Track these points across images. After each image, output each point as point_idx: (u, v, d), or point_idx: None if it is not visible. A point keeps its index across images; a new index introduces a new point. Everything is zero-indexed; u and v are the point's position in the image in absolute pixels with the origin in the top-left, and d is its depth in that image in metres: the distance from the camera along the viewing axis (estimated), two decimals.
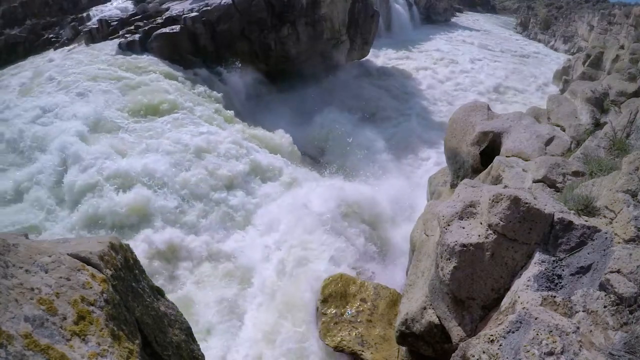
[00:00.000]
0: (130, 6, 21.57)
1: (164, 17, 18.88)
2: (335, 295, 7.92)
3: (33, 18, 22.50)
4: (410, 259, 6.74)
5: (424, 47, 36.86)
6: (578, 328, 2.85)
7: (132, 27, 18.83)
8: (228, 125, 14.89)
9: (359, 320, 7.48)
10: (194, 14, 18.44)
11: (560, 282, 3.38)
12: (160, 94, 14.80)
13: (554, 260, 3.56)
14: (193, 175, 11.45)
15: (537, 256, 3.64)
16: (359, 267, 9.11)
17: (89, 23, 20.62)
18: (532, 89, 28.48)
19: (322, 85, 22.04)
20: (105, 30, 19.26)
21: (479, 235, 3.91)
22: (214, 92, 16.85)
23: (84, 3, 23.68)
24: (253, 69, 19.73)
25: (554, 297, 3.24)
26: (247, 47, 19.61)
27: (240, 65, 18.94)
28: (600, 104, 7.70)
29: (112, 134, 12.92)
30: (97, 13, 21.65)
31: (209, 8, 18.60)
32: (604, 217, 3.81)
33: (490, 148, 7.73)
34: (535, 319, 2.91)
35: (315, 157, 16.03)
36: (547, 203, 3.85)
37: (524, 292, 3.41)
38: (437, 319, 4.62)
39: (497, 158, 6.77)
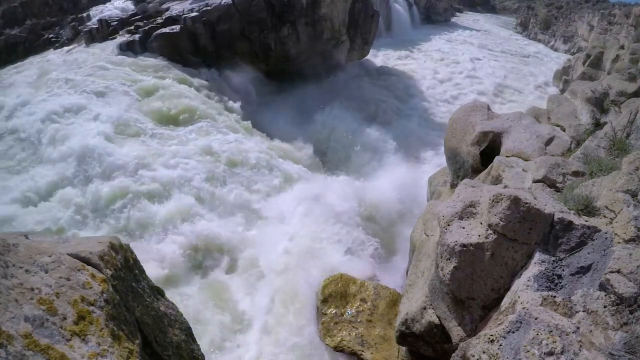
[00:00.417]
0: (130, 6, 21.56)
1: (164, 17, 18.88)
2: (335, 295, 7.92)
3: (33, 18, 22.49)
4: (410, 259, 6.74)
5: (424, 47, 36.86)
6: (578, 328, 2.85)
7: (132, 27, 18.83)
8: (249, 134, 15.01)
9: (359, 320, 7.48)
10: (194, 14, 18.44)
11: (560, 282, 3.38)
12: (180, 100, 14.92)
13: (554, 260, 3.55)
14: (230, 190, 11.52)
15: (537, 256, 3.64)
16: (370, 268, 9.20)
17: (89, 23, 20.61)
18: (532, 89, 28.46)
19: (323, 85, 22.03)
20: (105, 30, 19.26)
21: (479, 235, 3.91)
22: (225, 97, 16.98)
23: (84, 3, 23.66)
24: (253, 69, 19.74)
25: (554, 297, 3.24)
26: (247, 47, 19.61)
27: (242, 65, 19.00)
28: (600, 104, 7.70)
29: (137, 138, 12.96)
30: (97, 13, 21.64)
31: (209, 8, 18.60)
32: (604, 217, 3.81)
33: (490, 148, 7.73)
34: (535, 319, 2.90)
35: (319, 156, 16.01)
36: (547, 203, 3.85)
37: (524, 292, 3.41)
38: (437, 319, 4.62)
39: (497, 158, 6.77)
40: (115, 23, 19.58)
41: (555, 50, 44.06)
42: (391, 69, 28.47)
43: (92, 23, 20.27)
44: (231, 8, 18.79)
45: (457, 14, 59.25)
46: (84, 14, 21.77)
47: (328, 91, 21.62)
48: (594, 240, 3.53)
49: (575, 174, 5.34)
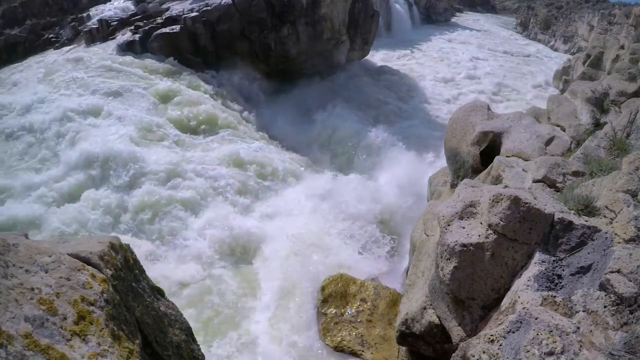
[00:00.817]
0: (130, 6, 21.57)
1: (164, 17, 18.88)
2: (335, 295, 7.93)
3: (33, 18, 22.48)
4: (410, 259, 6.74)
5: (424, 47, 36.86)
6: (578, 328, 2.85)
7: (132, 27, 18.84)
8: (267, 143, 15.10)
9: (359, 320, 7.48)
10: (194, 14, 18.44)
11: (561, 282, 3.38)
12: (200, 108, 15.08)
13: (554, 260, 3.55)
14: (269, 206, 11.61)
15: (537, 256, 3.64)
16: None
17: (89, 23, 20.60)
18: (532, 88, 28.46)
19: (322, 85, 22.03)
20: (105, 30, 19.26)
21: (479, 235, 3.91)
22: (238, 104, 17.09)
23: (84, 3, 23.66)
24: (255, 70, 19.75)
25: (554, 297, 3.24)
26: (247, 47, 19.61)
27: (247, 70, 19.09)
28: (600, 104, 7.70)
29: (162, 143, 13.02)
30: (97, 13, 21.64)
31: (209, 8, 18.60)
32: (604, 217, 3.81)
33: (490, 148, 7.73)
34: (536, 319, 2.90)
35: (319, 157, 15.99)
36: (547, 203, 3.85)
37: (524, 292, 3.41)
38: (437, 319, 4.62)
39: (497, 158, 6.77)
40: (115, 23, 19.58)
41: (555, 50, 44.06)
42: (391, 69, 28.46)
43: (92, 23, 20.26)
44: (231, 8, 18.79)
45: (457, 14, 59.25)
46: (84, 14, 21.76)
47: (328, 91, 21.61)
48: (594, 240, 3.53)
49: (575, 174, 5.34)
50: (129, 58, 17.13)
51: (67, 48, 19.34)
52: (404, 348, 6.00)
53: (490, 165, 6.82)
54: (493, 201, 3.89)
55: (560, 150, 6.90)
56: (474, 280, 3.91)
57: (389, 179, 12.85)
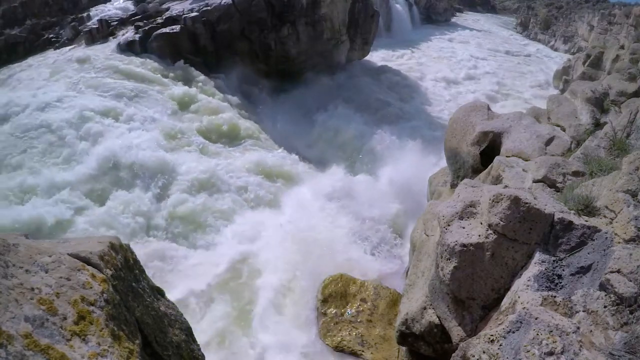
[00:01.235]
0: (130, 6, 21.56)
1: (164, 17, 18.87)
2: (335, 295, 7.93)
3: (33, 18, 22.47)
4: (411, 259, 6.74)
5: (424, 47, 36.87)
6: (578, 328, 2.85)
7: (132, 27, 18.84)
8: (287, 152, 15.09)
9: (359, 320, 7.48)
10: (194, 14, 18.44)
11: (561, 282, 3.38)
12: (220, 116, 15.20)
13: (554, 260, 3.55)
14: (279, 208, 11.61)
15: (537, 256, 3.64)
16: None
17: (89, 23, 20.59)
18: (532, 88, 28.47)
19: (323, 85, 22.03)
20: (105, 30, 19.25)
21: (479, 235, 3.90)
22: (252, 113, 17.16)
23: (84, 3, 23.65)
24: (253, 69, 19.76)
25: (554, 297, 3.24)
26: (247, 47, 19.61)
27: (252, 75, 19.23)
28: (600, 104, 7.69)
29: (190, 150, 13.07)
30: (97, 13, 21.63)
31: (209, 8, 18.60)
32: (604, 217, 3.81)
33: (490, 148, 7.73)
34: (536, 319, 2.90)
35: (321, 157, 15.99)
36: (547, 203, 3.84)
37: (524, 292, 3.41)
38: (437, 319, 4.62)
39: (497, 158, 6.77)
40: (115, 23, 19.58)
41: (555, 50, 44.08)
42: (391, 69, 28.46)
43: (92, 23, 20.25)
44: (231, 8, 18.79)
45: (457, 14, 59.27)
46: (84, 14, 21.75)
47: (329, 92, 21.61)
48: (594, 240, 3.53)
49: (576, 174, 5.34)
50: (137, 60, 17.11)
51: (67, 48, 19.34)
52: (404, 348, 6.00)
53: (490, 165, 6.82)
54: (493, 201, 3.89)
55: (560, 150, 6.90)
56: (474, 280, 3.91)
57: (395, 180, 12.84)
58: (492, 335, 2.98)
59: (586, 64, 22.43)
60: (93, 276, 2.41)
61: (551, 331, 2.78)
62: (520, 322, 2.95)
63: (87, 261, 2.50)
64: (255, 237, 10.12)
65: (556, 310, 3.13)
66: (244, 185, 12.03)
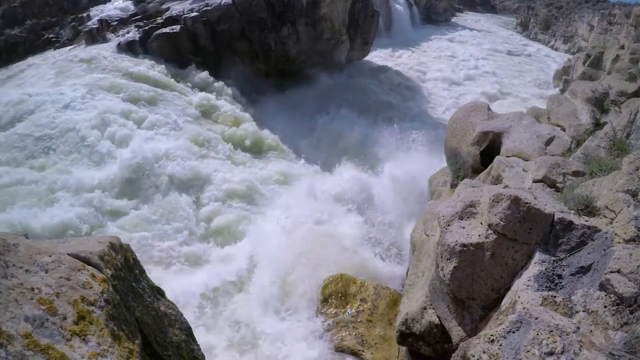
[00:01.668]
0: (130, 6, 21.57)
1: (164, 17, 18.88)
2: (335, 295, 7.92)
3: (33, 18, 22.47)
4: (411, 259, 6.74)
5: (424, 47, 36.86)
6: (578, 328, 2.85)
7: (132, 27, 18.84)
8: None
9: (359, 320, 7.48)
10: (194, 14, 18.44)
11: (561, 282, 3.38)
12: (245, 126, 15.36)
13: (554, 260, 3.55)
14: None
15: (538, 256, 3.64)
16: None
17: (89, 23, 20.60)
18: (532, 88, 28.49)
19: (323, 85, 22.03)
20: (105, 30, 19.26)
21: (479, 235, 3.90)
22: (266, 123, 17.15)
23: (84, 3, 23.66)
24: (253, 69, 19.76)
25: (554, 297, 3.24)
26: (247, 47, 19.62)
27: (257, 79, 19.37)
28: (600, 104, 7.69)
29: (218, 157, 13.11)
30: (97, 13, 21.64)
31: (209, 8, 18.60)
32: (604, 217, 3.81)
33: (490, 148, 7.73)
34: (536, 319, 2.90)
35: (323, 158, 15.98)
36: (548, 203, 3.84)
37: (524, 292, 3.41)
38: (437, 319, 4.61)
39: (497, 158, 6.77)
40: (115, 23, 19.59)
41: (556, 50, 44.09)
42: (391, 69, 28.47)
43: (92, 23, 20.26)
44: (231, 8, 18.79)
45: (457, 14, 59.24)
46: (84, 14, 21.76)
47: (329, 92, 21.61)
48: (594, 240, 3.53)
49: (576, 174, 5.34)
50: (147, 61, 17.12)
51: (67, 48, 19.35)
52: (404, 348, 6.00)
53: (490, 165, 6.82)
54: (493, 201, 3.89)
55: (560, 150, 6.90)
56: (474, 280, 3.91)
57: (400, 179, 12.81)
58: (492, 335, 2.98)
59: (586, 64, 22.43)
60: (93, 276, 2.41)
61: (551, 331, 2.78)
62: (520, 322, 2.95)
63: (87, 261, 2.50)
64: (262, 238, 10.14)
65: (556, 310, 3.13)
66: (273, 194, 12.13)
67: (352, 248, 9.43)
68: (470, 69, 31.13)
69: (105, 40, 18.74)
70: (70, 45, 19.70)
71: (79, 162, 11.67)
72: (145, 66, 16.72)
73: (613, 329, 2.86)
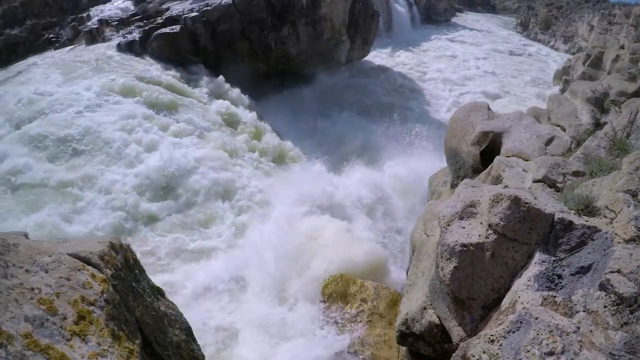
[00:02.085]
0: (130, 6, 21.56)
1: (164, 17, 18.88)
2: (335, 295, 7.93)
3: (33, 18, 22.45)
4: (411, 259, 6.74)
5: (424, 47, 36.86)
6: (578, 328, 2.85)
7: (132, 27, 18.84)
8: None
9: (359, 320, 7.48)
10: (194, 14, 18.44)
11: (561, 282, 3.38)
12: (268, 137, 15.55)
13: (554, 260, 3.55)
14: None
15: (538, 256, 3.64)
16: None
17: (89, 23, 20.60)
18: (532, 88, 28.48)
19: (322, 85, 22.03)
20: (105, 31, 19.26)
21: (479, 235, 3.90)
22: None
23: (84, 3, 23.62)
24: (253, 69, 19.76)
25: (555, 297, 3.24)
26: (247, 47, 19.61)
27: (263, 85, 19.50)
28: (600, 104, 7.69)
29: (247, 165, 13.20)
30: (97, 13, 21.63)
31: (209, 8, 18.59)
32: (604, 217, 3.81)
33: (490, 148, 7.73)
34: (536, 319, 2.90)
35: (324, 159, 15.99)
36: (548, 203, 3.84)
37: (524, 292, 3.41)
38: (438, 318, 4.61)
39: (497, 158, 6.77)
40: (116, 23, 19.58)
41: (556, 50, 44.08)
42: (391, 69, 28.47)
43: (92, 23, 20.26)
44: (231, 8, 18.79)
45: (457, 14, 59.22)
46: (84, 14, 21.75)
47: (329, 92, 21.61)
48: (594, 240, 3.53)
49: (576, 174, 5.34)
50: (157, 65, 17.08)
51: (68, 48, 19.35)
52: (404, 348, 6.00)
53: (490, 165, 6.82)
54: (493, 201, 3.89)
55: (560, 150, 6.89)
56: (474, 280, 3.91)
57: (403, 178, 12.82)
58: (492, 335, 2.98)
59: (586, 64, 22.42)
60: (93, 276, 2.41)
61: (551, 331, 2.78)
62: (521, 322, 2.94)
63: (87, 261, 2.50)
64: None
65: (556, 310, 3.13)
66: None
67: (363, 248, 9.44)
68: (471, 69, 31.14)
69: (105, 40, 18.73)
70: (71, 45, 19.70)
71: (108, 164, 11.59)
72: (155, 69, 16.70)
73: (613, 329, 2.86)
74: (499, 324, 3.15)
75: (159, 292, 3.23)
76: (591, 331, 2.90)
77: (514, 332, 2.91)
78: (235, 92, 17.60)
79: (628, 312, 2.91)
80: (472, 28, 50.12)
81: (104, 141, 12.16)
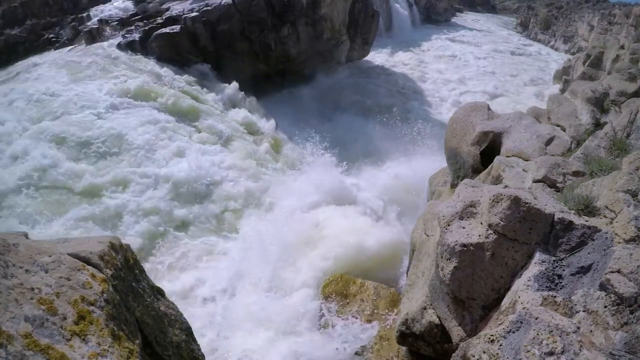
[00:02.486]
0: (130, 6, 21.56)
1: (164, 17, 18.88)
2: (335, 295, 7.93)
3: (33, 18, 22.46)
4: (411, 259, 6.74)
5: (424, 47, 36.86)
6: (578, 328, 2.85)
7: (132, 27, 18.84)
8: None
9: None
10: (194, 14, 18.44)
11: (561, 282, 3.38)
12: (287, 146, 15.68)
13: (554, 260, 3.55)
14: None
15: (538, 256, 3.64)
16: None
17: (89, 23, 20.61)
18: (532, 88, 28.48)
19: (322, 85, 22.03)
20: (105, 31, 19.26)
21: (479, 235, 3.90)
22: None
23: (84, 3, 23.63)
24: (253, 70, 19.77)
25: (555, 297, 3.24)
26: (247, 47, 19.62)
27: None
28: (600, 104, 7.69)
29: (273, 174, 13.34)
30: (97, 13, 21.63)
31: (209, 8, 18.60)
32: (604, 217, 3.81)
33: (490, 148, 7.73)
34: (536, 318, 2.90)
35: (326, 159, 16.00)
36: (548, 203, 3.84)
37: (524, 292, 3.41)
38: (438, 319, 4.61)
39: (497, 158, 6.77)
40: (116, 23, 19.59)
41: (556, 50, 44.06)
42: (391, 69, 28.47)
43: (92, 23, 20.26)
44: (231, 8, 18.79)
45: (457, 14, 59.21)
46: (84, 14, 21.76)
47: (328, 91, 21.60)
48: (594, 240, 3.52)
49: (576, 174, 5.33)
50: (166, 68, 17.00)
51: (68, 48, 19.35)
52: (404, 348, 6.00)
53: (490, 165, 6.82)
54: (493, 201, 3.89)
55: (560, 150, 6.89)
56: (474, 280, 3.90)
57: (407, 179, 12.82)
58: (492, 335, 2.98)
59: (586, 64, 22.43)
60: (93, 276, 2.41)
61: (551, 331, 2.78)
62: (521, 322, 2.94)
63: (87, 261, 2.50)
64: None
65: (556, 310, 3.13)
66: None
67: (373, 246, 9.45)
68: (471, 69, 31.14)
69: (104, 40, 18.73)
70: (71, 45, 19.71)
71: (137, 167, 11.57)
72: (165, 72, 16.70)
73: (613, 329, 2.86)
74: (499, 324, 3.15)
75: (159, 292, 3.23)
76: (591, 331, 2.90)
77: (514, 332, 2.91)
78: (251, 100, 17.70)
79: (628, 312, 2.91)
80: (472, 28, 50.12)
81: (129, 145, 12.16)
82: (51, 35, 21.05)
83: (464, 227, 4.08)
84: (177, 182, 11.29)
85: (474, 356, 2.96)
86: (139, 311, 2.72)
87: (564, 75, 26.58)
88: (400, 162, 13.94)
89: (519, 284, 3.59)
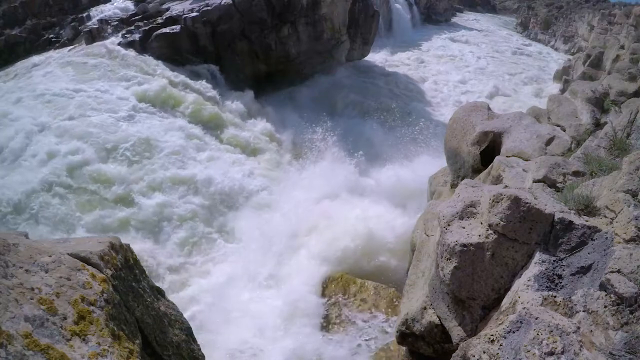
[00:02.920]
0: (130, 6, 21.56)
1: (164, 17, 18.88)
2: (335, 295, 7.93)
3: (33, 18, 22.45)
4: (411, 259, 6.73)
5: (424, 47, 36.85)
6: (578, 328, 2.85)
7: (132, 27, 18.84)
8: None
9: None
10: (194, 14, 18.43)
11: (561, 282, 3.38)
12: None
13: (554, 260, 3.55)
14: None
15: (538, 256, 3.64)
16: None
17: (89, 23, 20.60)
18: (532, 88, 28.47)
19: (323, 85, 22.02)
20: (105, 31, 19.26)
21: (480, 235, 3.90)
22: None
23: (84, 3, 23.62)
24: (253, 69, 19.76)
25: (555, 297, 3.24)
26: (247, 47, 19.61)
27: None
28: (600, 103, 7.69)
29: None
30: (97, 13, 21.63)
31: (209, 8, 18.59)
32: (605, 217, 3.80)
33: (490, 148, 7.73)
34: (536, 318, 2.90)
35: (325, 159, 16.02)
36: (548, 203, 3.84)
37: (524, 292, 3.41)
38: (438, 319, 4.61)
39: (497, 158, 6.76)
40: (116, 23, 19.59)
41: (556, 50, 44.05)
42: (391, 69, 28.45)
43: (92, 23, 20.26)
44: (231, 8, 18.78)
45: (458, 14, 59.22)
46: (84, 14, 21.75)
47: (328, 91, 21.59)
48: (594, 240, 3.52)
49: (576, 173, 5.33)
50: (181, 76, 16.97)
51: (68, 48, 19.34)
52: (404, 348, 6.00)
53: (490, 165, 6.82)
54: (493, 201, 3.89)
55: (560, 150, 6.89)
56: (474, 280, 3.90)
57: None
58: (492, 335, 2.98)
59: (586, 64, 22.44)
60: (93, 276, 2.41)
61: (551, 331, 2.78)
62: (521, 322, 2.94)
63: (87, 261, 2.50)
64: None
65: (556, 310, 3.13)
66: None
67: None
68: (471, 69, 31.13)
69: (104, 39, 18.72)
70: (71, 45, 19.71)
71: (168, 172, 11.62)
72: (175, 75, 16.69)
73: (613, 329, 2.86)
74: (499, 324, 3.15)
75: (159, 292, 3.23)
76: (591, 331, 2.90)
77: (514, 332, 2.91)
78: (269, 110, 17.77)
79: (628, 312, 2.91)
80: (472, 28, 50.11)
81: (160, 150, 12.21)
82: (51, 35, 21.05)
83: (464, 227, 4.08)
84: (213, 191, 11.45)
85: (474, 356, 2.96)
86: (139, 311, 2.72)
87: (564, 75, 26.58)
88: (401, 163, 13.94)
89: (519, 284, 3.59)
